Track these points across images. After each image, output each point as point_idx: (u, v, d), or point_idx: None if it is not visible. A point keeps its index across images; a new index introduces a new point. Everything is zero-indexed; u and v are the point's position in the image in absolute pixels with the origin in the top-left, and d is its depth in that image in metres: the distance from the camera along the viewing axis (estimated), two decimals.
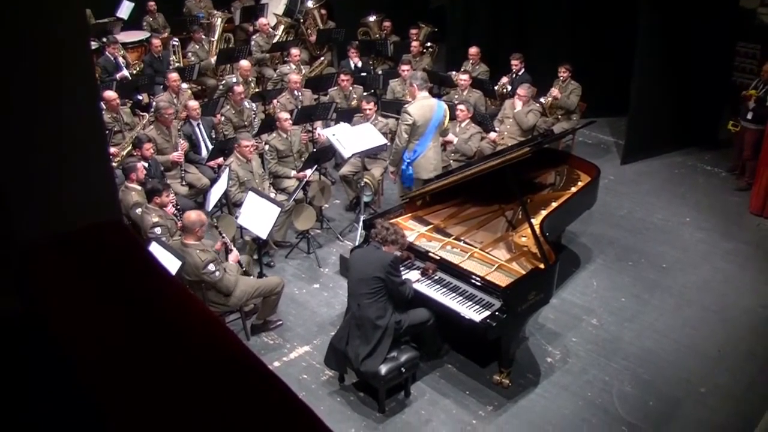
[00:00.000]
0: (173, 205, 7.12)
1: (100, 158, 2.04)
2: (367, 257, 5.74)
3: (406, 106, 7.62)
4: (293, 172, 8.39)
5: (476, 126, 8.94)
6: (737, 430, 5.54)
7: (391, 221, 6.31)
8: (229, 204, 8.03)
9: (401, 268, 5.93)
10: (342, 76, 10.21)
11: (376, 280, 5.56)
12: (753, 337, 6.70)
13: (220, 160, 8.32)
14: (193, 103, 9.02)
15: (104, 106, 8.70)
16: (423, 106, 7.50)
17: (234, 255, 6.56)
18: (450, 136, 8.74)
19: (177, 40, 11.68)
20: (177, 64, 11.20)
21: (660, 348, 6.56)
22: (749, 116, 9.13)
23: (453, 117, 8.97)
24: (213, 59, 11.66)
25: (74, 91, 1.87)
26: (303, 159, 8.50)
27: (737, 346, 6.59)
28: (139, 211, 6.90)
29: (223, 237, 6.66)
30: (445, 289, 5.96)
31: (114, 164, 8.27)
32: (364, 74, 11.29)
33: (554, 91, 9.89)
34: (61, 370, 1.55)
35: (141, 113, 9.57)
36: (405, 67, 10.24)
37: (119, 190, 7.27)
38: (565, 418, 5.73)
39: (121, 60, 10.98)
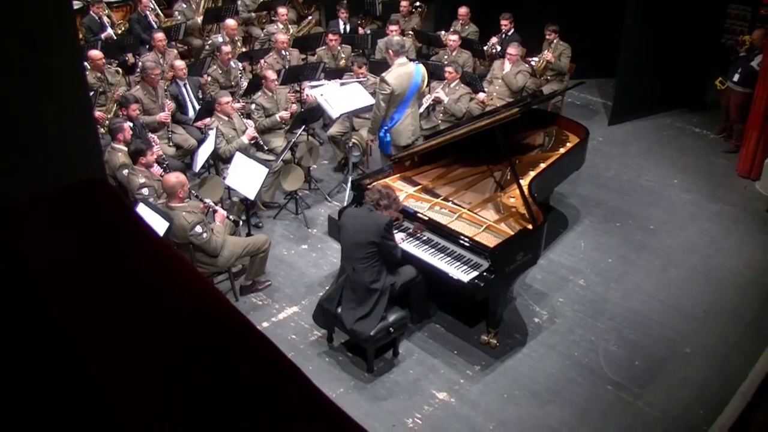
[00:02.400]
0: (160, 165, 7.08)
1: (83, 115, 2.01)
2: (361, 221, 5.69)
3: (383, 74, 7.41)
4: (280, 114, 8.40)
5: (466, 87, 8.89)
6: (721, 390, 5.59)
7: (382, 182, 6.28)
8: (217, 165, 7.98)
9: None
10: (330, 36, 10.12)
11: (371, 245, 5.55)
12: (738, 298, 6.76)
13: (207, 120, 8.24)
14: (180, 63, 8.92)
15: (89, 66, 8.60)
16: (401, 74, 7.31)
17: (220, 214, 6.53)
18: (440, 95, 8.67)
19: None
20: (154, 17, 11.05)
21: (646, 308, 6.61)
22: (735, 78, 9.11)
23: (441, 78, 8.92)
24: (199, 19, 11.50)
25: (56, 49, 1.84)
26: (290, 118, 8.49)
27: (722, 306, 6.65)
28: (125, 172, 6.84)
29: (204, 201, 6.62)
30: (433, 250, 5.97)
31: (103, 130, 8.21)
32: (352, 34, 11.20)
33: (548, 55, 9.81)
34: (45, 329, 1.54)
35: (116, 68, 9.40)
36: (393, 27, 10.13)
37: (105, 151, 7.21)
38: (551, 378, 5.79)
39: (105, 20, 10.81)
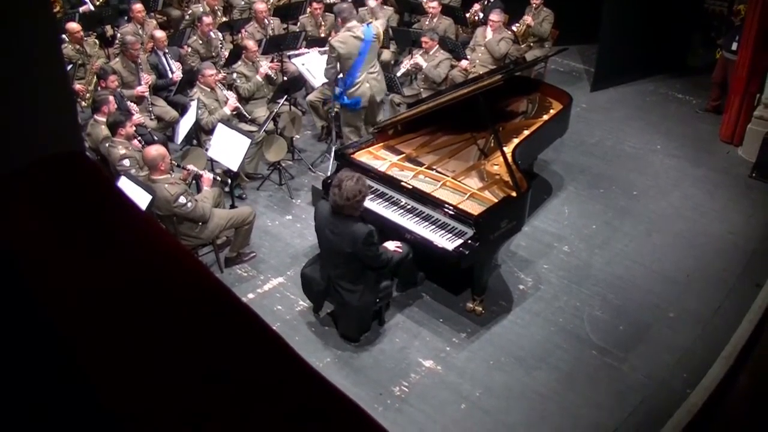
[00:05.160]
0: (138, 136, 7.03)
1: (60, 88, 1.97)
2: (337, 227, 5.37)
3: (330, 39, 7.69)
4: (259, 71, 8.38)
5: (445, 52, 8.84)
6: (704, 354, 5.65)
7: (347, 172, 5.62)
8: (199, 137, 7.92)
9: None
10: (314, 3, 10.01)
11: (348, 255, 5.38)
12: (721, 263, 6.80)
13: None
14: (159, 33, 8.82)
15: (67, 39, 8.47)
16: (347, 38, 7.46)
17: (206, 178, 6.49)
18: (419, 60, 8.63)
19: None
20: None
21: (630, 274, 6.65)
22: (734, 47, 9.01)
23: (419, 46, 8.91)
24: None
25: (31, 20, 1.80)
26: (272, 87, 8.42)
27: (705, 271, 6.70)
28: (107, 145, 6.77)
29: (187, 167, 6.57)
30: (418, 218, 5.96)
31: (84, 103, 8.13)
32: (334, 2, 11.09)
33: (527, 19, 9.79)
34: (24, 306, 1.52)
35: (94, 39, 9.27)
36: None
37: (88, 124, 7.14)
38: (537, 344, 5.82)
39: None
